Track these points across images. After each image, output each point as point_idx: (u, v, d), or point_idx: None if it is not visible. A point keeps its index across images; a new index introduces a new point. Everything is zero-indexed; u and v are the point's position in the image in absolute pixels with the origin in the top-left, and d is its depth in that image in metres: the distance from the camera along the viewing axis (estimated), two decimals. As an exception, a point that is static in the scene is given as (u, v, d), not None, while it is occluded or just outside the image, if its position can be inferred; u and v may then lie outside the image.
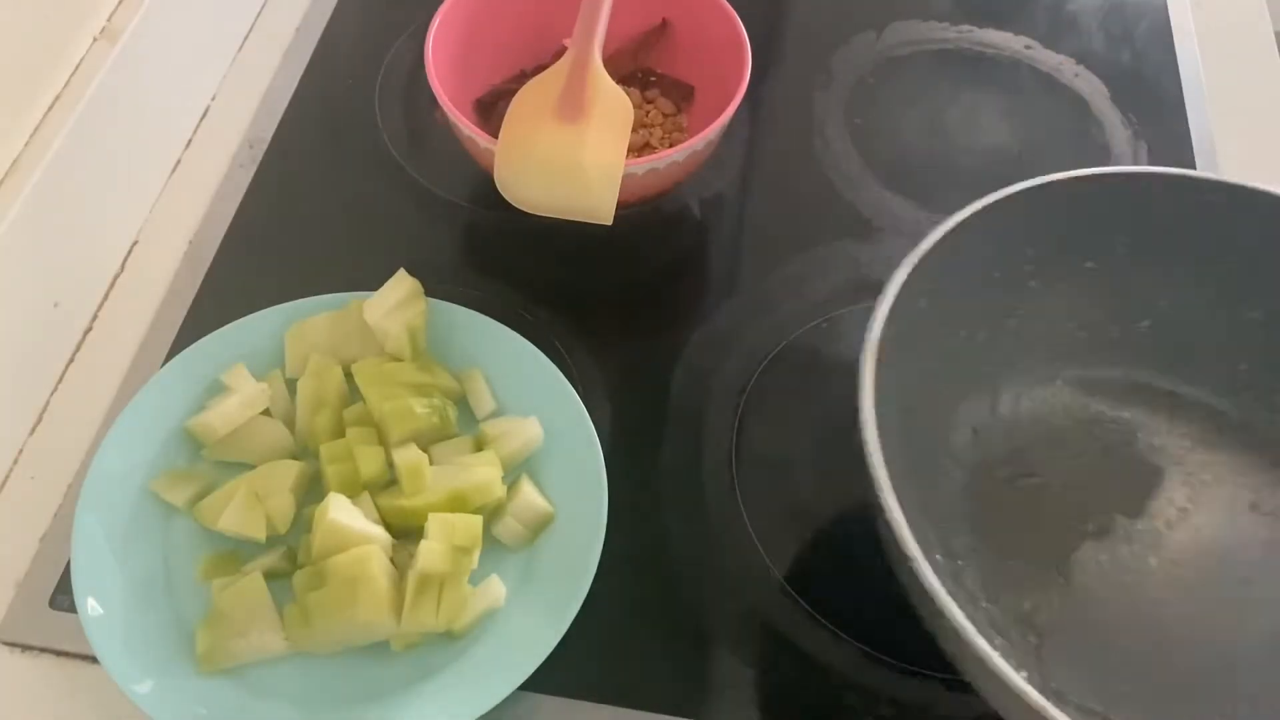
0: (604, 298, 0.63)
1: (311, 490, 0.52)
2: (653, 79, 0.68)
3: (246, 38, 0.75)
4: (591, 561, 0.48)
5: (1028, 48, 0.76)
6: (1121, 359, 0.54)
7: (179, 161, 0.68)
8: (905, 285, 0.44)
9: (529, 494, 0.50)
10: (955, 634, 0.37)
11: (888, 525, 0.39)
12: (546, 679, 0.46)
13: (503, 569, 0.50)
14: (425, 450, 0.51)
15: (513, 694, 0.45)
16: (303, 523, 0.51)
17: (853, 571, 0.53)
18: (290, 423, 0.54)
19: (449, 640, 0.48)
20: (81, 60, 0.60)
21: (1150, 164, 0.69)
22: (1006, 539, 0.51)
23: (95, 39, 0.61)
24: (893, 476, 0.40)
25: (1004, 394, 0.54)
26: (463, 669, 0.47)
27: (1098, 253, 0.52)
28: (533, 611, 0.48)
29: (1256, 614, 0.49)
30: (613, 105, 0.54)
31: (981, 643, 0.36)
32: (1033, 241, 0.50)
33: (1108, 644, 0.48)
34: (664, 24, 0.66)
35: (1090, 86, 0.74)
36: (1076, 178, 0.49)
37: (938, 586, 0.37)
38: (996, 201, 0.47)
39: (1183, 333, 0.53)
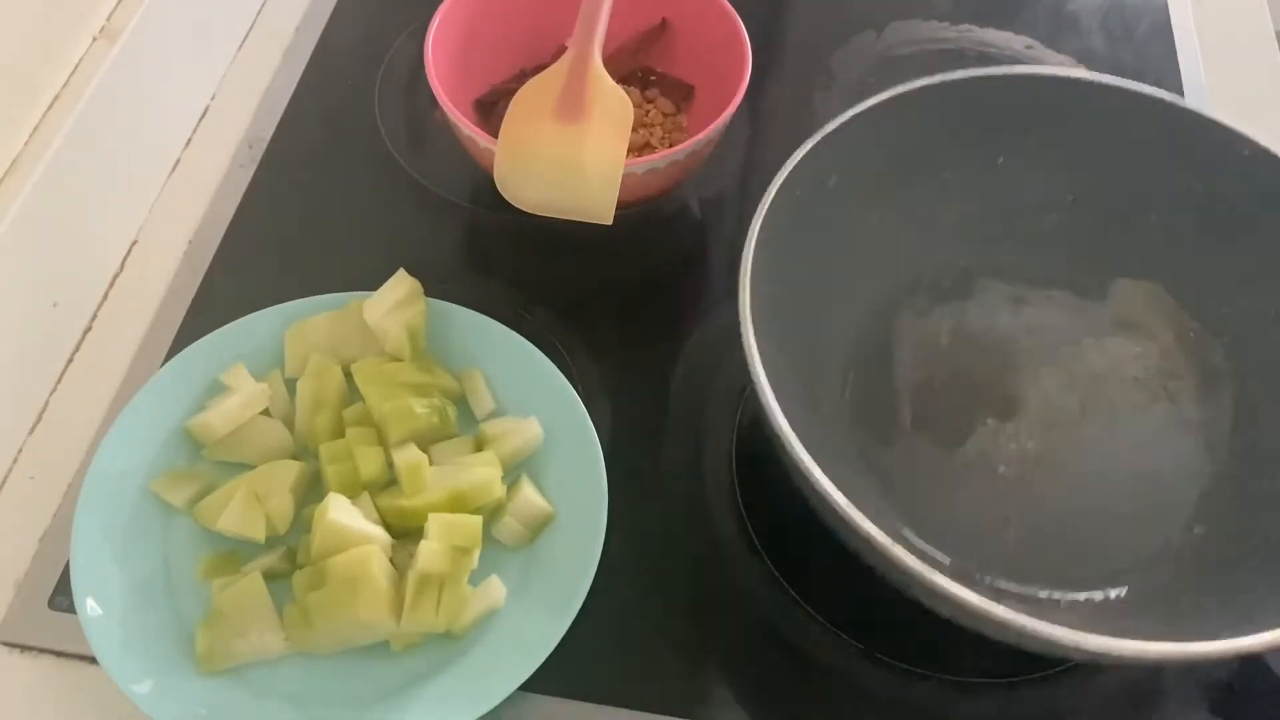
0: (604, 298, 0.63)
1: (311, 490, 0.52)
2: (653, 79, 0.68)
3: (246, 38, 0.75)
4: (591, 561, 0.48)
5: (1028, 48, 0.76)
6: (1028, 250, 0.55)
7: (179, 161, 0.68)
8: (810, 156, 0.46)
9: (529, 494, 0.50)
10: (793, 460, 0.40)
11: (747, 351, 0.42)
12: (546, 679, 0.46)
13: (503, 569, 0.50)
14: (425, 450, 0.51)
15: (513, 694, 0.45)
16: (302, 523, 0.51)
17: (853, 572, 0.52)
18: (290, 423, 0.53)
19: (449, 640, 0.48)
20: (81, 60, 0.60)
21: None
22: (886, 399, 0.53)
23: (95, 39, 0.61)
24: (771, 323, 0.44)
25: (910, 277, 0.55)
26: (463, 669, 0.47)
27: (1009, 150, 0.53)
28: (533, 611, 0.48)
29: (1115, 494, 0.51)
30: (613, 105, 0.54)
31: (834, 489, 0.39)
32: (946, 134, 0.52)
33: (960, 500, 0.51)
34: (664, 24, 0.66)
35: (1090, 86, 0.74)
36: (987, 76, 0.50)
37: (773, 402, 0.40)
38: (907, 92, 0.49)
39: (1087, 230, 0.54)
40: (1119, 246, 0.55)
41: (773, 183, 0.46)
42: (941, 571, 0.37)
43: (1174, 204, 0.52)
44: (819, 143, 0.47)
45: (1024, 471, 0.52)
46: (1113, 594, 0.48)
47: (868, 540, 0.38)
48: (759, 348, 0.42)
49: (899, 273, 0.55)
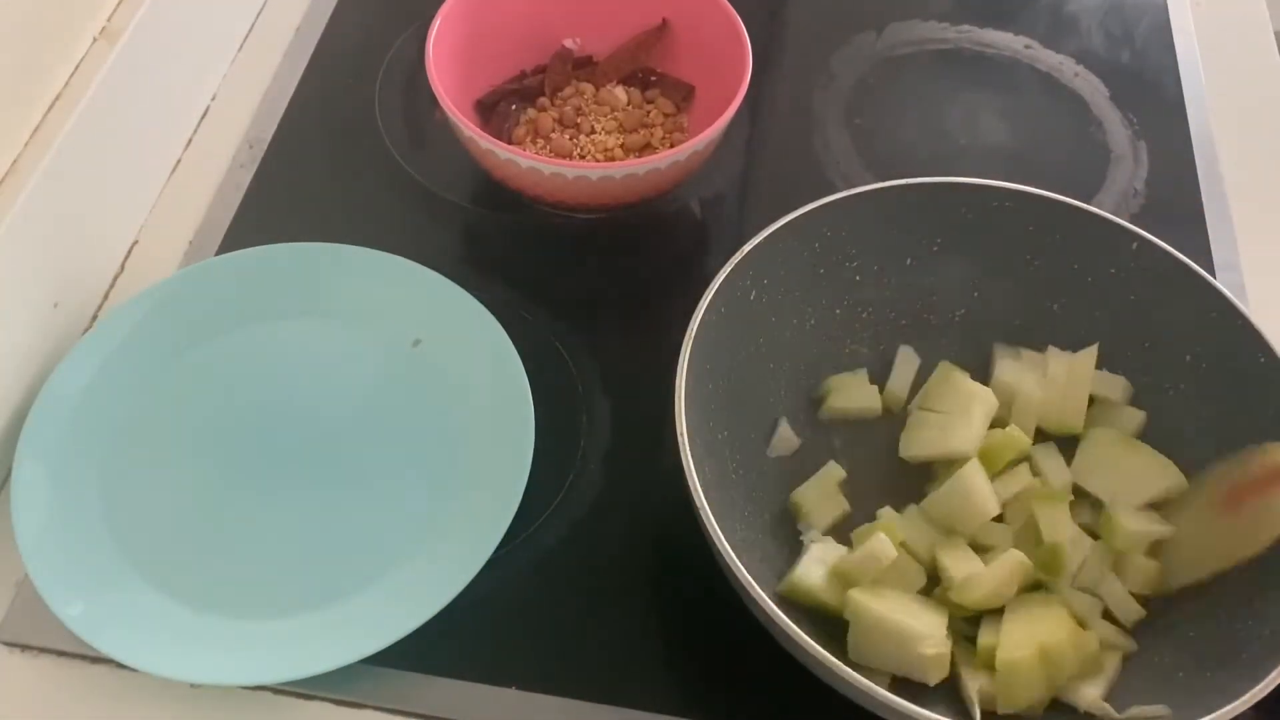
0: (604, 298, 0.63)
1: None
2: (653, 79, 0.68)
3: (246, 38, 0.75)
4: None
5: (1028, 48, 0.76)
6: (939, 343, 0.57)
7: (179, 161, 0.68)
8: (729, 278, 0.50)
9: None
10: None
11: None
12: (546, 679, 0.46)
13: None
14: None
15: (512, 693, 0.45)
16: None
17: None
18: None
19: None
20: (81, 60, 0.59)
21: (1151, 163, 0.69)
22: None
23: (95, 39, 0.61)
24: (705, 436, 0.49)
25: (829, 375, 0.57)
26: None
27: (915, 252, 0.56)
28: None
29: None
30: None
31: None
32: (854, 241, 0.55)
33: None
34: (664, 24, 0.67)
35: (1090, 86, 0.74)
36: (888, 187, 0.54)
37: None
38: (815, 208, 0.52)
39: (993, 320, 0.57)
40: (1021, 334, 0.57)
41: (701, 300, 0.50)
42: None
43: (1074, 294, 0.55)
44: (739, 262, 0.51)
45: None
46: None
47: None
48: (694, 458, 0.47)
49: (817, 367, 0.57)
